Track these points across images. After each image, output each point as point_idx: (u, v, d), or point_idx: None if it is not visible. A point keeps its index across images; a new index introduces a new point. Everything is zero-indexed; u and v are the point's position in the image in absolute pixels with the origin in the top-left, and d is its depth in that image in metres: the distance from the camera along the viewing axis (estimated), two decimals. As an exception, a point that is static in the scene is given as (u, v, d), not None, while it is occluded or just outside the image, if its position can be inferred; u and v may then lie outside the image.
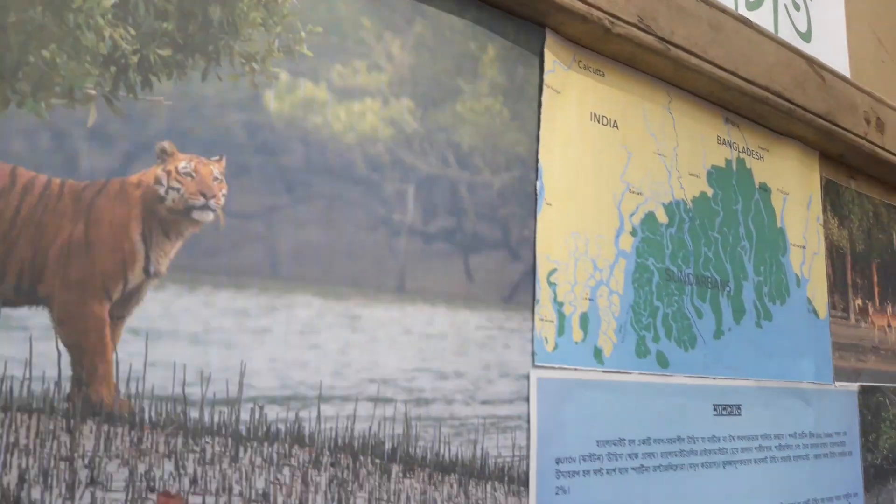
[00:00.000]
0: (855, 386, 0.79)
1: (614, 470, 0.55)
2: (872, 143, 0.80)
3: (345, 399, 0.43)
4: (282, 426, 0.40)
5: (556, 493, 0.52)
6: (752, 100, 0.67)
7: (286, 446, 0.41)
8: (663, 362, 0.60)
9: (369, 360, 0.44)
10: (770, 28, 0.79)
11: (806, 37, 0.82)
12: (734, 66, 0.65)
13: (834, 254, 0.80)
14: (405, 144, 0.48)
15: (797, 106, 0.71)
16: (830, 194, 0.81)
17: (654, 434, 0.58)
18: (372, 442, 0.44)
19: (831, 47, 0.85)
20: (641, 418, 0.58)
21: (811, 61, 0.74)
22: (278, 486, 0.40)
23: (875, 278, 0.85)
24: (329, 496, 0.42)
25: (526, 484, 0.50)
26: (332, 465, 0.42)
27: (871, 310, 0.84)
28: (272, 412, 0.40)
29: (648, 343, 0.59)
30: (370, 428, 0.44)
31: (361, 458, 0.43)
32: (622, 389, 0.57)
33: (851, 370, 0.79)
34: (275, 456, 0.40)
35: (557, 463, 0.52)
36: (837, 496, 0.74)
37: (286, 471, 0.41)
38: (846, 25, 0.88)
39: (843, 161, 0.83)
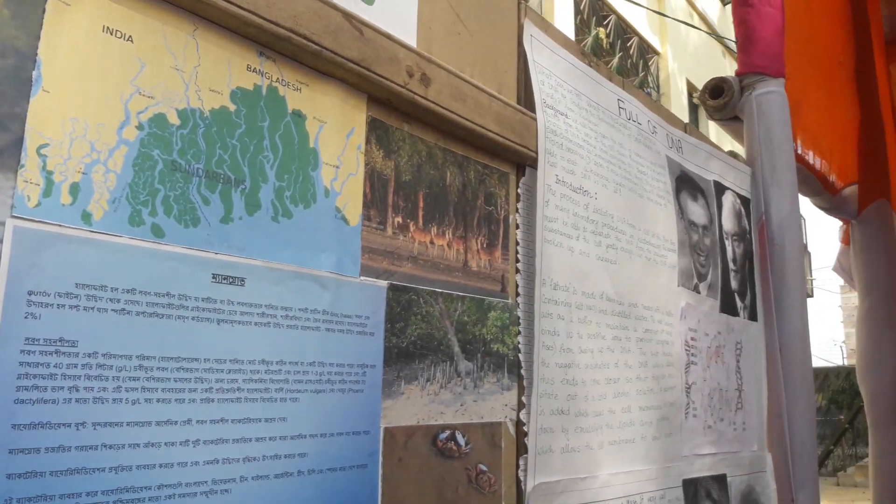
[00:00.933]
0: (384, 283, 1.00)
1: (93, 308, 0.70)
2: (413, 92, 1.01)
3: None
4: None
5: (26, 318, 0.65)
6: (276, 38, 0.85)
7: None
8: (158, 233, 0.75)
9: None
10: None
11: (369, 1, 1.01)
12: (255, 7, 0.81)
13: (375, 178, 1.00)
14: None
15: (325, 49, 0.89)
16: (377, 131, 1.01)
17: (140, 287, 0.74)
18: None
19: (398, 15, 1.05)
20: (128, 273, 0.73)
21: (348, 16, 0.92)
22: None
23: (421, 204, 1.07)
24: None
25: (-9, 305, 0.64)
26: None
27: (412, 227, 1.05)
28: None
29: (144, 216, 0.74)
30: None
31: None
32: (109, 248, 0.71)
33: (383, 270, 1.00)
34: None
35: (30, 294, 0.66)
36: (351, 364, 0.95)
37: None
38: (420, 1, 1.09)
39: (393, 106, 1.03)
